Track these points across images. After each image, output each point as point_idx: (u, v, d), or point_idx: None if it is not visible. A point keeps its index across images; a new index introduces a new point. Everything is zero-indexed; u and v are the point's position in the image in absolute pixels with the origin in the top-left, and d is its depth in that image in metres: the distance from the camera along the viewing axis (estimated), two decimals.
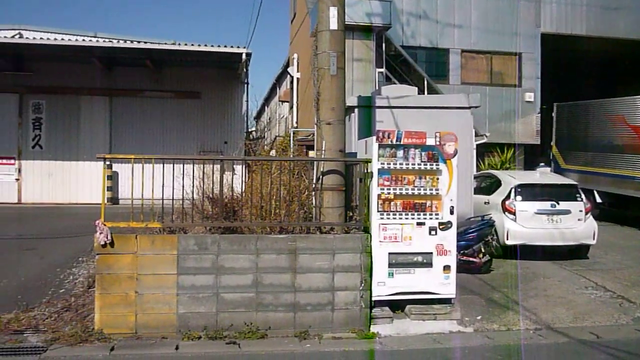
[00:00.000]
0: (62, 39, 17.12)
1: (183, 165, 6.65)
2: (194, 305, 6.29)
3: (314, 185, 7.42)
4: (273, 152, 18.05)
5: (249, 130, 27.38)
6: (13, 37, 17.74)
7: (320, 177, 7.17)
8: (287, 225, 6.89)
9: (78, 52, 17.61)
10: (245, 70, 19.02)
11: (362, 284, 6.59)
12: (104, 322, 6.15)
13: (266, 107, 38.83)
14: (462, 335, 6.63)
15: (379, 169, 6.68)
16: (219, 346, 6.02)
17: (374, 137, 6.73)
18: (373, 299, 6.66)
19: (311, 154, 16.01)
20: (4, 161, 18.73)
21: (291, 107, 23.82)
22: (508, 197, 10.46)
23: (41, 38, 17.18)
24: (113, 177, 17.86)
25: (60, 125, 19.15)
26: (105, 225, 6.18)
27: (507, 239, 10.17)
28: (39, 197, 18.82)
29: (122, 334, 6.13)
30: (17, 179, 18.87)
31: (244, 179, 8.57)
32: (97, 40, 17.57)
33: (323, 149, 7.20)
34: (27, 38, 17.62)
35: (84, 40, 17.46)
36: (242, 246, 6.41)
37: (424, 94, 16.37)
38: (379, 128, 7.93)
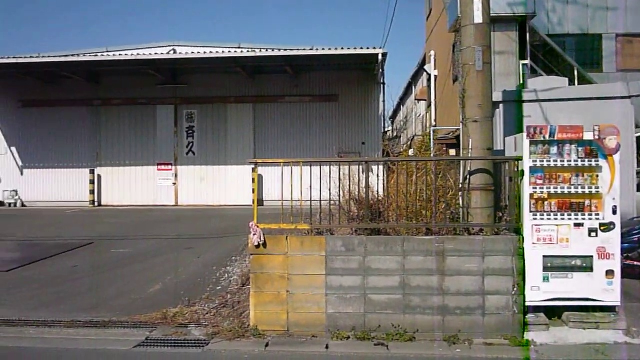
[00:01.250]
0: (210, 52, 18.35)
1: (330, 168, 6.80)
2: (342, 306, 6.38)
3: (460, 185, 7.21)
4: (411, 152, 17.86)
5: (385, 130, 27.41)
6: (168, 53, 19.36)
7: (468, 176, 6.95)
8: (434, 227, 6.76)
9: (225, 63, 18.82)
10: (381, 70, 19.07)
11: (515, 288, 6.27)
12: (258, 319, 6.45)
13: (401, 107, 38.59)
14: (630, 347, 6.05)
15: (530, 167, 6.32)
16: (367, 347, 6.05)
17: (525, 134, 6.37)
18: (526, 304, 6.31)
19: (451, 152, 15.64)
20: (164, 167, 20.59)
21: (429, 105, 23.43)
22: None
23: (192, 52, 18.57)
24: (258, 180, 18.76)
25: (210, 133, 20.64)
26: (258, 227, 6.49)
27: None
28: (193, 199, 20.43)
29: (275, 331, 6.39)
30: (174, 183, 20.62)
31: (385, 180, 8.55)
32: (242, 51, 18.58)
33: (470, 147, 6.97)
34: (180, 53, 19.15)
35: (229, 51, 18.55)
36: (389, 247, 6.40)
37: (574, 85, 15.27)
38: (527, 123, 7.54)
